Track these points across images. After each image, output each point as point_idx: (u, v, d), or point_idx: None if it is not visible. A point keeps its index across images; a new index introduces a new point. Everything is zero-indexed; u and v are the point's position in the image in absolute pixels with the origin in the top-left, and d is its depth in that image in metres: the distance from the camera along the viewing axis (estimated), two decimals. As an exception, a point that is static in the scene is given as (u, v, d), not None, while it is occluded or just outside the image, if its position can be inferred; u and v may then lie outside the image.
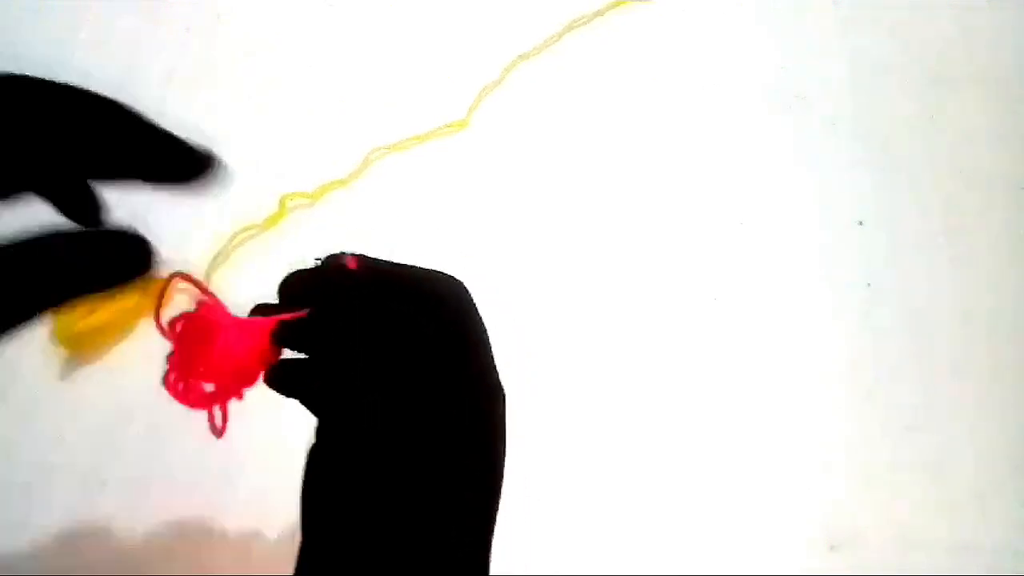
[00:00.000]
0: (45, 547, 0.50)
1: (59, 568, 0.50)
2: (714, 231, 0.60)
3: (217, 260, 0.39)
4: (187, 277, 0.30)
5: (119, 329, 0.30)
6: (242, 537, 0.50)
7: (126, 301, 0.29)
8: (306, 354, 0.30)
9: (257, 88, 0.63)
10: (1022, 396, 0.55)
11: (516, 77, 0.64)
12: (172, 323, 0.30)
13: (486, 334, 0.31)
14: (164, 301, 0.30)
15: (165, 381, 0.30)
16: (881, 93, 0.64)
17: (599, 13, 0.66)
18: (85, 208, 0.27)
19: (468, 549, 0.26)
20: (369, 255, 0.31)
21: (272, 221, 0.60)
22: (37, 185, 0.26)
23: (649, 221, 0.60)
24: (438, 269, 0.31)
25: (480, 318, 0.31)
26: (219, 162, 0.28)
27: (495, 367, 0.30)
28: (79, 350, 0.54)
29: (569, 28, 0.65)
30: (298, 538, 0.27)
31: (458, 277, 0.33)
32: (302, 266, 0.31)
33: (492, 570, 0.28)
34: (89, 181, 0.27)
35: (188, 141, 0.28)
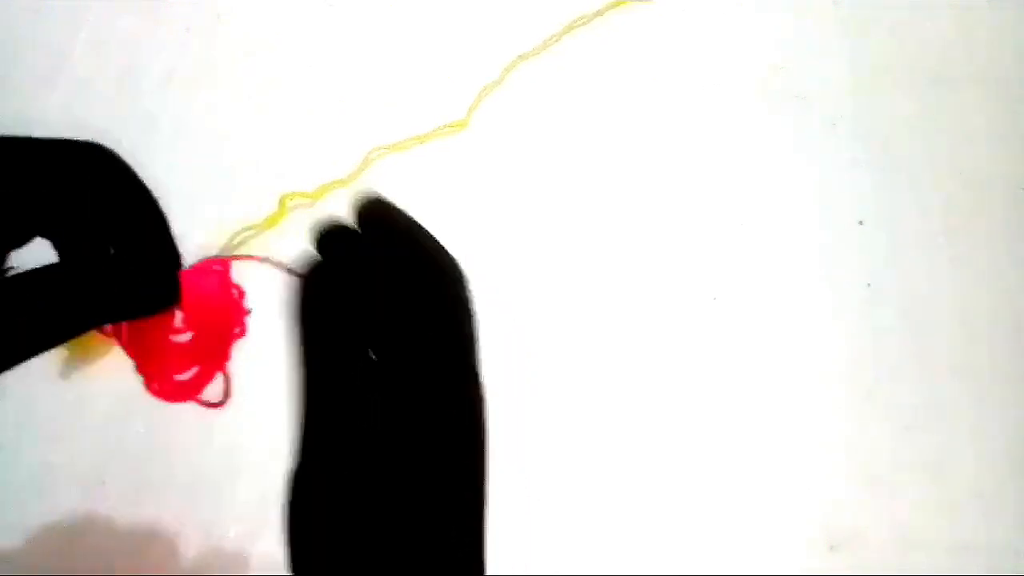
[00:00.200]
0: (45, 547, 0.50)
1: (59, 568, 0.50)
2: (714, 231, 0.60)
3: (217, 260, 0.39)
4: None
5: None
6: (242, 537, 0.50)
7: None
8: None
9: (257, 88, 0.63)
10: (1022, 396, 0.55)
11: (516, 77, 0.64)
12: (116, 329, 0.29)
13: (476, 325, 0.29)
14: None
15: (148, 389, 0.29)
16: (881, 93, 0.64)
17: (599, 13, 0.66)
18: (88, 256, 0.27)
19: (469, 548, 0.26)
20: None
21: (272, 221, 0.60)
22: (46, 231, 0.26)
23: (649, 221, 0.60)
24: (443, 250, 0.30)
25: (472, 308, 0.30)
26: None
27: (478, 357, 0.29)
28: (80, 351, 0.54)
29: (569, 28, 0.65)
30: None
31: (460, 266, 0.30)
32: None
33: (492, 570, 0.28)
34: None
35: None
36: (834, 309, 0.58)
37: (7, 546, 0.50)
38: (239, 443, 0.52)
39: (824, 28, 0.66)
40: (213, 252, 0.35)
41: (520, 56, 0.64)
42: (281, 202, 0.59)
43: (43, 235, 0.26)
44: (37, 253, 0.26)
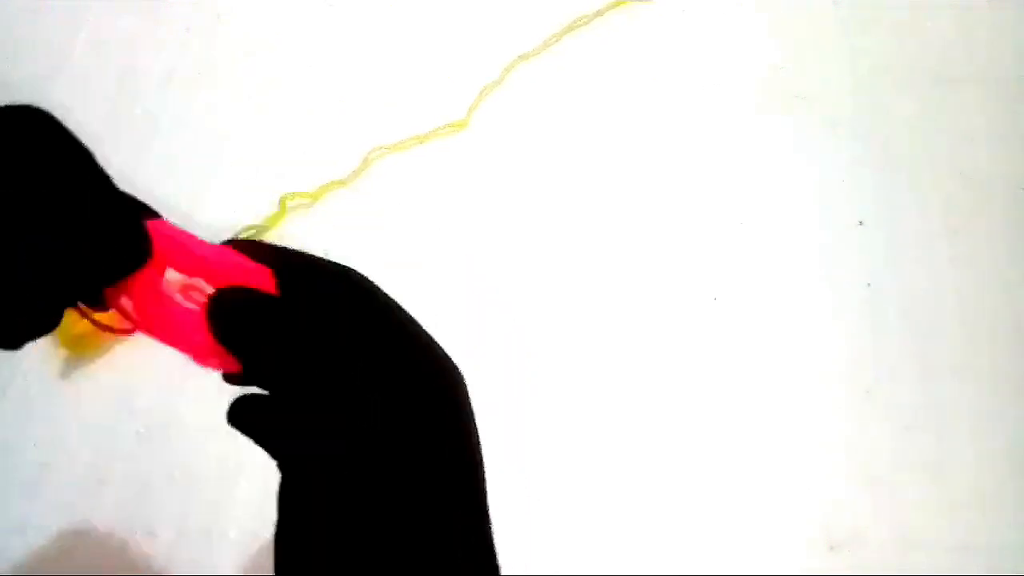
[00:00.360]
0: (45, 547, 0.50)
1: (59, 568, 0.50)
2: (714, 231, 0.60)
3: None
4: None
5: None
6: (242, 537, 0.50)
7: None
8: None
9: (257, 88, 0.63)
10: (1022, 396, 0.55)
11: (516, 77, 0.64)
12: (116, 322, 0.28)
13: (407, 314, 0.28)
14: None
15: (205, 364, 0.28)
16: (881, 93, 0.64)
17: (599, 13, 0.66)
18: None
19: (478, 553, 0.26)
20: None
21: (272, 221, 0.60)
22: None
23: (649, 221, 0.60)
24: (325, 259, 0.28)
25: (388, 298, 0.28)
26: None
27: (435, 343, 0.28)
28: (79, 350, 0.55)
29: (569, 28, 0.65)
30: None
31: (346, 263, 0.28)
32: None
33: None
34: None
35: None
36: (834, 309, 0.58)
37: (7, 546, 0.50)
38: (239, 443, 0.52)
39: (824, 28, 0.66)
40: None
41: (520, 56, 0.64)
42: (281, 202, 0.59)
43: None
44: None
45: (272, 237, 0.57)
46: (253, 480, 0.51)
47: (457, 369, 0.28)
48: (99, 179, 0.27)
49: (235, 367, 0.27)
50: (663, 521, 0.52)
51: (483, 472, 0.27)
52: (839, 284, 0.58)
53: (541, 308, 0.57)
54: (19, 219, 0.24)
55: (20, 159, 0.25)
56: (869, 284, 0.58)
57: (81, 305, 0.26)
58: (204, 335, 0.27)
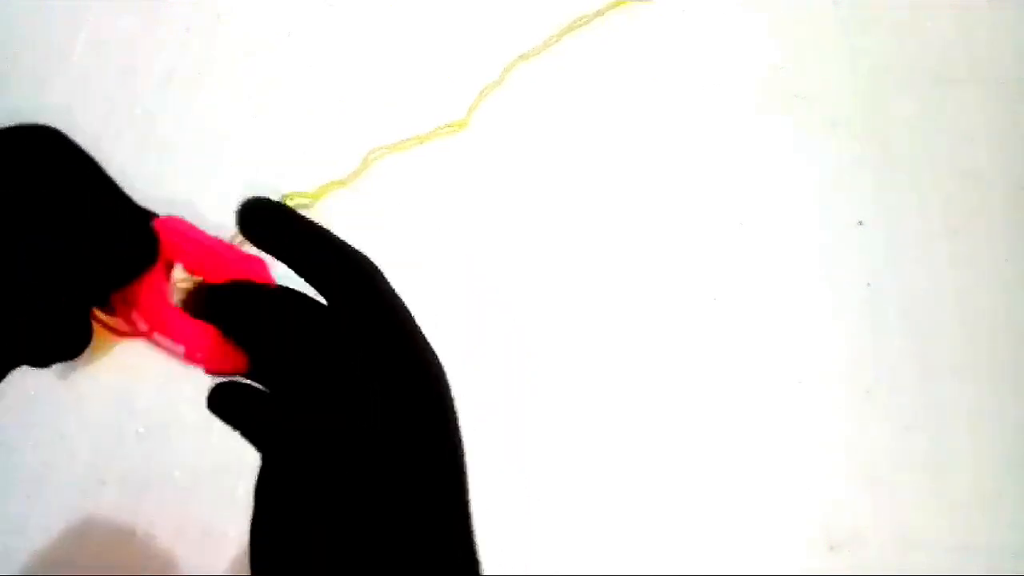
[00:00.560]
0: (45, 547, 0.50)
1: (59, 568, 0.50)
2: (714, 231, 0.60)
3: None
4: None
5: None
6: (242, 537, 0.50)
7: None
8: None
9: (257, 88, 0.63)
10: (1022, 396, 0.55)
11: (516, 77, 0.64)
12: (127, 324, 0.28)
13: (408, 311, 0.28)
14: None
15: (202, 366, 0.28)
16: (881, 93, 0.64)
17: (599, 13, 0.66)
18: None
19: (460, 545, 0.26)
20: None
21: (272, 221, 0.60)
22: None
23: (649, 221, 0.60)
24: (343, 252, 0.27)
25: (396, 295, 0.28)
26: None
27: (428, 345, 0.27)
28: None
29: (569, 28, 0.65)
30: None
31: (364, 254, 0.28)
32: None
33: (493, 570, 0.27)
34: None
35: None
36: (834, 309, 0.58)
37: (7, 546, 0.50)
38: (239, 443, 0.52)
39: (824, 28, 0.66)
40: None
41: (520, 56, 0.64)
42: (282, 201, 0.59)
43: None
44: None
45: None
46: (253, 480, 0.51)
47: (441, 364, 0.27)
48: (105, 185, 0.27)
49: (240, 367, 0.27)
50: (663, 521, 0.52)
51: (465, 470, 0.27)
52: (839, 284, 0.58)
53: (541, 308, 0.57)
54: (19, 221, 0.24)
55: (26, 167, 0.25)
56: (869, 284, 0.58)
57: (96, 311, 0.27)
58: (210, 333, 0.27)
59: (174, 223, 0.28)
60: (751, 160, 0.62)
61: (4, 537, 0.50)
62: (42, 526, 0.51)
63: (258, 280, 0.27)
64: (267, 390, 0.27)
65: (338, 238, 0.27)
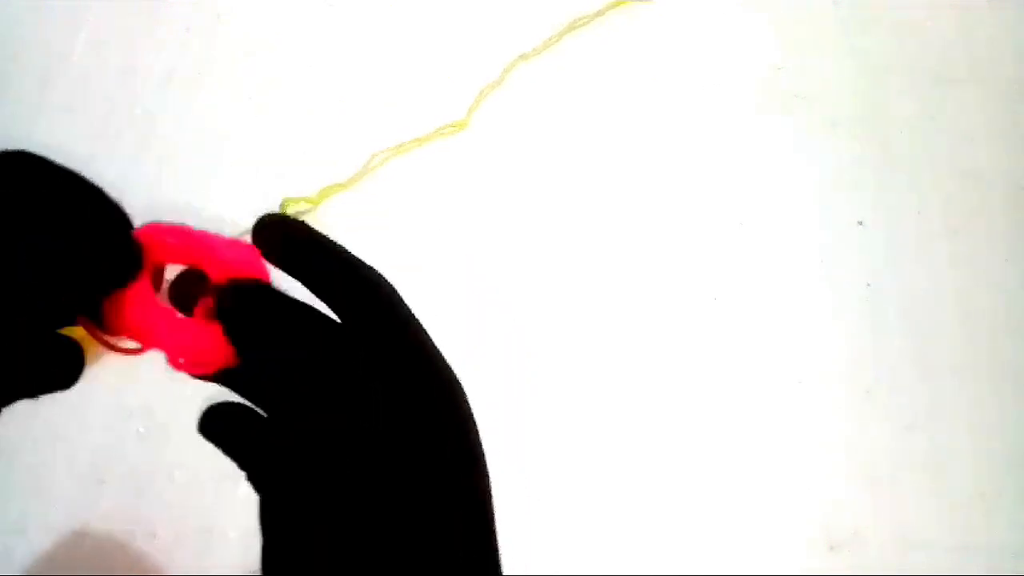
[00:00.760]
0: (45, 547, 0.50)
1: (59, 568, 0.50)
2: (714, 231, 0.60)
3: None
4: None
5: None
6: (242, 537, 0.50)
7: None
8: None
9: (257, 88, 0.63)
10: (1022, 396, 0.55)
11: (516, 77, 0.64)
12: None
13: (420, 323, 0.27)
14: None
15: (173, 365, 0.27)
16: (881, 93, 0.64)
17: (599, 13, 0.66)
18: None
19: (482, 557, 0.26)
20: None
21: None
22: None
23: (649, 221, 0.60)
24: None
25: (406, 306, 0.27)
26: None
27: (447, 364, 0.27)
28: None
29: (569, 28, 0.65)
30: None
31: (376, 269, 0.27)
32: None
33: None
34: None
35: None
36: (834, 309, 0.58)
37: (8, 546, 0.50)
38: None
39: (824, 28, 0.66)
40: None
41: (520, 56, 0.64)
42: (283, 207, 0.59)
43: None
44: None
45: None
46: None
47: (461, 385, 0.27)
48: (92, 193, 0.27)
49: (229, 364, 0.27)
50: (663, 521, 0.52)
51: (487, 480, 0.27)
52: (839, 284, 0.58)
53: (541, 309, 0.57)
54: (19, 223, 0.24)
55: (14, 180, 0.25)
56: (869, 284, 0.58)
57: (89, 324, 0.27)
58: (203, 338, 0.27)
59: (153, 229, 0.28)
60: (751, 160, 0.62)
61: (4, 537, 0.50)
62: (42, 526, 0.51)
63: (253, 270, 0.27)
64: (258, 401, 0.26)
65: (354, 256, 0.27)
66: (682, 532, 0.52)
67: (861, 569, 0.51)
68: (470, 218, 0.59)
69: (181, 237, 0.28)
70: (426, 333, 0.27)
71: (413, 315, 0.27)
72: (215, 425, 0.26)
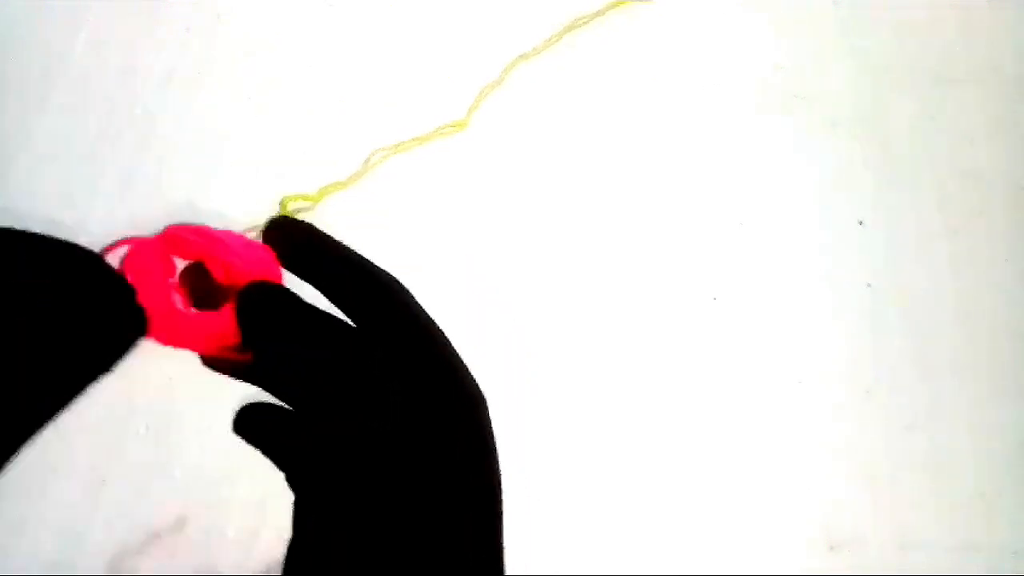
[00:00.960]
0: (45, 547, 0.50)
1: (59, 568, 0.50)
2: (714, 231, 0.60)
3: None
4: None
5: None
6: (242, 537, 0.50)
7: None
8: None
9: (257, 88, 0.63)
10: (1022, 396, 0.55)
11: (516, 77, 0.64)
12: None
13: (446, 336, 0.27)
14: None
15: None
16: (881, 93, 0.64)
17: (599, 13, 0.66)
18: None
19: (488, 556, 0.26)
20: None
21: (272, 221, 0.60)
22: None
23: (649, 221, 0.60)
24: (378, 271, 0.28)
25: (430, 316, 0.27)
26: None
27: (468, 371, 0.27)
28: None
29: (569, 28, 0.65)
30: None
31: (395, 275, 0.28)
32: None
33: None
34: None
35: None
36: (834, 309, 0.58)
37: (7, 546, 0.50)
38: (239, 443, 0.52)
39: (824, 28, 0.66)
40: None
41: (520, 56, 0.64)
42: (282, 205, 0.59)
43: None
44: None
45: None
46: (253, 480, 0.51)
47: (480, 391, 0.27)
48: (88, 257, 0.27)
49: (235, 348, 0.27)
50: (663, 521, 0.52)
51: (501, 499, 0.26)
52: (839, 284, 0.58)
53: (541, 308, 0.57)
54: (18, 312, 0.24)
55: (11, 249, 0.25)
56: (869, 284, 0.58)
57: None
58: (219, 334, 0.27)
59: (177, 229, 0.28)
60: (751, 160, 0.62)
61: (4, 537, 0.50)
62: (42, 526, 0.51)
63: (268, 271, 0.28)
64: (284, 397, 0.27)
65: (366, 258, 0.27)
66: (682, 532, 0.52)
67: (861, 569, 0.51)
68: (470, 217, 0.59)
69: (203, 236, 0.28)
70: (442, 333, 0.27)
71: (427, 315, 0.27)
72: (250, 424, 0.26)
